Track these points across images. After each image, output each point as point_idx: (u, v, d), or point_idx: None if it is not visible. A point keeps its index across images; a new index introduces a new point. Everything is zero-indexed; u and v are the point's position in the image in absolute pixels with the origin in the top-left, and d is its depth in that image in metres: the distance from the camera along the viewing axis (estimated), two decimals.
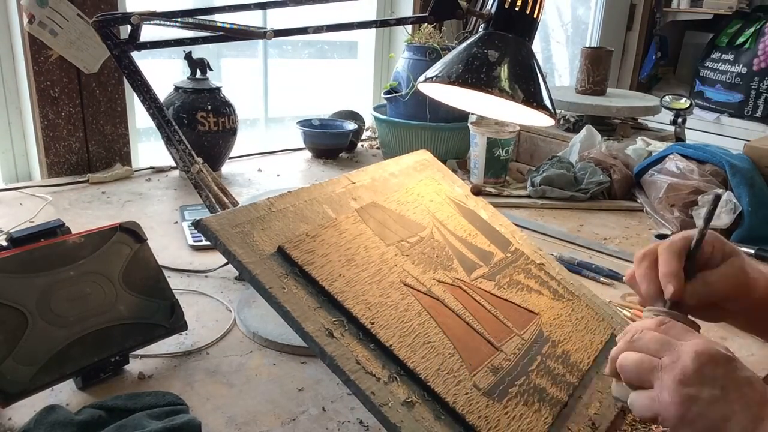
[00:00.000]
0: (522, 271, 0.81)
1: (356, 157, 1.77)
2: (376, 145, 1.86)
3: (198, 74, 1.44)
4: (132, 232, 0.79)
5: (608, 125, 1.81)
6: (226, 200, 1.00)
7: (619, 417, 0.70)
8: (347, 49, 2.15)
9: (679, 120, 1.73)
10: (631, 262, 1.17)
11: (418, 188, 0.84)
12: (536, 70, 0.76)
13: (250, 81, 1.92)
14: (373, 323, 0.59)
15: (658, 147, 1.56)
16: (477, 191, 0.90)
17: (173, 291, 0.80)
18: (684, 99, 1.74)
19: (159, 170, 1.51)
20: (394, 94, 1.65)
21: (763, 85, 2.69)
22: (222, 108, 1.43)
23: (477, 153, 1.48)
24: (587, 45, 2.47)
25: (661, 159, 1.42)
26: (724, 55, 2.84)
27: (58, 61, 1.35)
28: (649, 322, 0.53)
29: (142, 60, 0.97)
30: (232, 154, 1.56)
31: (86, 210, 1.25)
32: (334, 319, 0.59)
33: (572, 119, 1.79)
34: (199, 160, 0.99)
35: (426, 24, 1.68)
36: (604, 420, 0.67)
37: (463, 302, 0.69)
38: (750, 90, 2.72)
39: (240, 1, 0.95)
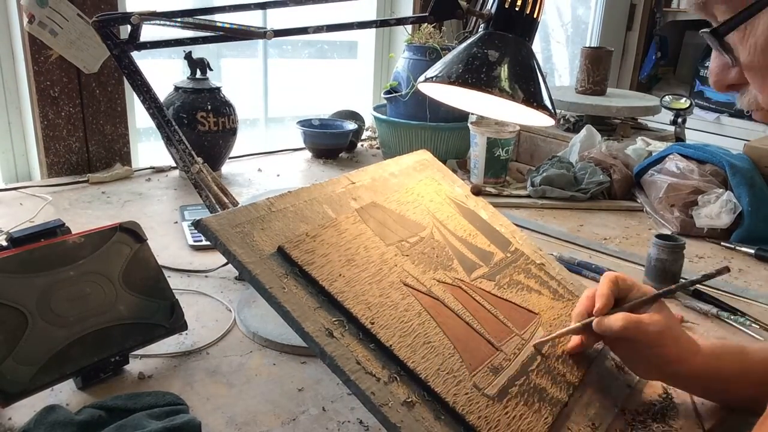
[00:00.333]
0: (522, 271, 0.81)
1: (356, 157, 1.77)
2: (376, 145, 1.86)
3: (198, 74, 1.44)
4: (132, 232, 0.79)
5: (608, 125, 1.81)
6: (226, 200, 1.00)
7: (619, 417, 0.70)
8: (347, 49, 2.15)
9: (679, 120, 1.73)
10: (632, 261, 1.17)
11: (418, 188, 0.84)
12: (536, 70, 0.76)
13: (250, 81, 1.92)
14: (373, 323, 0.59)
15: (658, 147, 1.56)
16: (477, 191, 0.90)
17: (173, 291, 0.80)
18: (684, 99, 1.74)
19: (159, 170, 1.52)
20: (394, 94, 1.65)
21: None
22: (222, 108, 1.43)
23: (477, 153, 1.48)
24: (587, 45, 2.47)
25: (661, 159, 1.42)
26: None
27: (58, 61, 1.35)
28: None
29: (142, 60, 0.97)
30: (232, 154, 1.56)
31: (86, 210, 1.25)
32: (334, 319, 0.59)
33: (572, 119, 1.79)
34: (199, 160, 0.99)
35: (426, 24, 1.68)
36: (604, 420, 0.67)
37: (463, 302, 0.69)
38: None
39: (240, 1, 0.95)
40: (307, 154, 1.75)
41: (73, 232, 0.77)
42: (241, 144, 1.57)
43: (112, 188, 1.38)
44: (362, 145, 1.88)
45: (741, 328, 0.92)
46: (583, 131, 1.61)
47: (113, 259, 0.76)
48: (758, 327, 0.92)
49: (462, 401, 0.58)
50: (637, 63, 2.99)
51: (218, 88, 1.45)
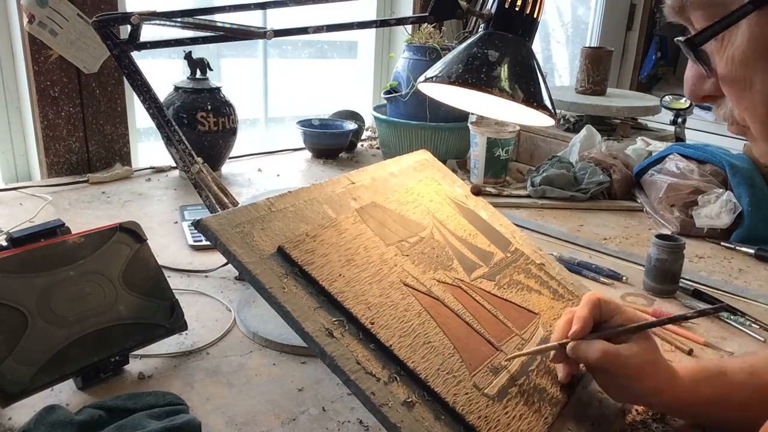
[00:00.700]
0: (522, 271, 0.81)
1: (356, 157, 1.77)
2: (376, 145, 1.86)
3: (198, 74, 1.44)
4: (132, 232, 0.79)
5: (608, 125, 1.81)
6: (226, 200, 1.00)
7: (619, 417, 0.70)
8: (347, 49, 2.15)
9: (679, 120, 1.73)
10: (632, 262, 1.17)
11: (418, 188, 0.84)
12: (536, 70, 0.76)
13: (250, 81, 1.92)
14: (373, 323, 0.59)
15: (658, 147, 1.56)
16: (477, 191, 0.90)
17: (173, 291, 0.80)
18: (684, 99, 1.74)
19: (159, 170, 1.52)
20: (394, 94, 1.65)
21: None
22: (222, 108, 1.43)
23: (477, 153, 1.48)
24: (587, 45, 2.47)
25: (661, 159, 1.42)
26: None
27: (58, 61, 1.35)
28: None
29: (142, 60, 0.97)
30: (232, 154, 1.56)
31: (86, 210, 1.25)
32: (334, 319, 0.59)
33: (572, 119, 1.79)
34: (199, 159, 0.99)
35: (426, 24, 1.68)
36: (604, 420, 0.67)
37: (463, 302, 0.69)
38: None
39: (240, 1, 0.95)
40: (307, 154, 1.75)
41: (73, 232, 0.77)
42: (241, 144, 1.57)
43: (112, 188, 1.38)
44: (362, 145, 1.88)
45: (741, 328, 0.92)
46: (583, 131, 1.61)
47: (113, 259, 0.76)
48: (758, 327, 0.92)
49: (462, 401, 0.58)
50: (637, 63, 2.99)
51: (218, 88, 1.45)
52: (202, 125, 1.40)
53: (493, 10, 0.76)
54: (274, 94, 1.95)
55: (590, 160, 1.49)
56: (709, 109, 2.82)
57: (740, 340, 0.90)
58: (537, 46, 2.82)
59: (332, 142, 1.72)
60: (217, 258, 1.02)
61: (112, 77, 1.44)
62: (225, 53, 1.87)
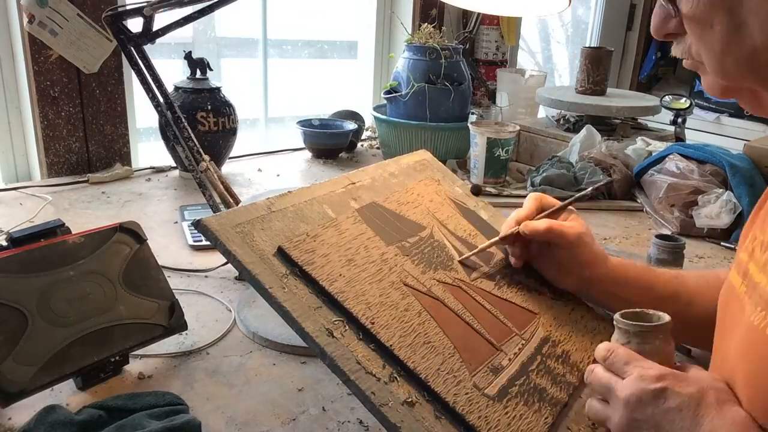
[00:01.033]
0: (522, 270, 0.81)
1: (356, 157, 1.77)
2: (376, 145, 1.86)
3: (198, 74, 1.44)
4: (132, 232, 0.79)
5: (608, 125, 1.81)
6: (230, 199, 1.00)
7: None
8: (347, 49, 2.15)
9: (679, 120, 1.73)
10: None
11: (418, 188, 0.84)
12: None
13: (250, 81, 1.92)
14: (373, 323, 0.59)
15: (658, 147, 1.56)
16: (477, 191, 0.90)
17: (173, 291, 0.80)
18: (684, 99, 1.74)
19: (159, 170, 1.52)
20: (394, 94, 1.65)
21: None
22: (222, 108, 1.43)
23: (477, 153, 1.48)
24: (587, 45, 2.47)
25: (661, 159, 1.42)
26: None
27: (58, 61, 1.35)
28: (599, 353, 0.57)
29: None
30: (232, 154, 1.56)
31: (86, 210, 1.25)
32: (334, 319, 0.59)
33: (572, 119, 1.79)
34: (206, 157, 0.99)
35: (426, 24, 1.68)
36: None
37: (463, 302, 0.69)
38: None
39: None
40: (307, 154, 1.75)
41: (73, 232, 0.77)
42: (241, 144, 1.57)
43: (112, 188, 1.38)
44: (362, 145, 1.88)
45: None
46: (583, 131, 1.61)
47: (113, 259, 0.76)
48: None
49: (462, 401, 0.58)
50: (637, 63, 2.99)
51: (218, 88, 1.45)
52: (202, 125, 1.40)
53: None
54: (274, 94, 1.95)
55: (590, 160, 1.49)
56: (709, 109, 2.82)
57: None
58: (537, 46, 2.82)
59: (332, 142, 1.72)
60: (217, 258, 1.02)
61: (112, 77, 1.44)
62: (225, 53, 1.87)
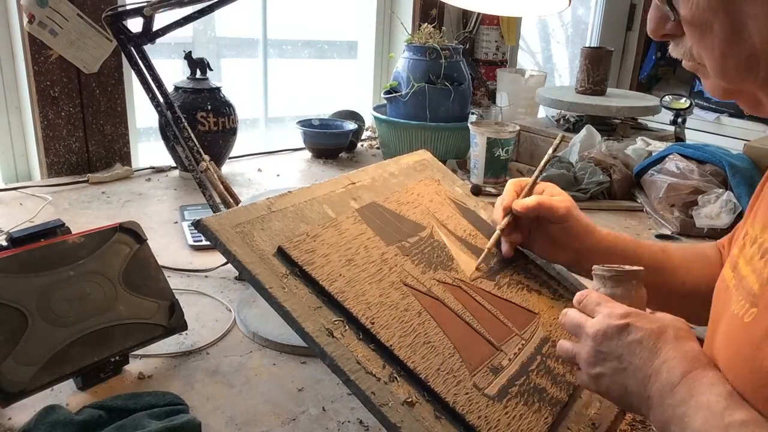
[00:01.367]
0: (522, 270, 0.81)
1: (356, 157, 1.77)
2: (376, 145, 1.86)
3: (198, 74, 1.44)
4: (132, 232, 0.79)
5: (608, 125, 1.81)
6: (230, 199, 1.00)
7: (619, 417, 0.70)
8: (347, 49, 2.15)
9: (679, 120, 1.73)
10: None
11: (418, 188, 0.84)
12: None
13: (250, 81, 1.92)
14: (373, 323, 0.59)
15: (658, 147, 1.56)
16: (477, 191, 0.90)
17: (173, 291, 0.80)
18: (684, 99, 1.74)
19: (159, 170, 1.52)
20: (394, 94, 1.65)
21: None
22: (222, 108, 1.43)
23: (477, 153, 1.48)
24: (587, 45, 2.47)
25: (661, 159, 1.42)
26: None
27: (58, 61, 1.35)
28: (575, 298, 0.62)
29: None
30: (232, 154, 1.56)
31: (86, 210, 1.25)
32: (334, 319, 0.59)
33: (572, 119, 1.79)
34: (206, 157, 0.99)
35: (426, 24, 1.68)
36: (604, 420, 0.67)
37: (463, 302, 0.69)
38: None
39: None
40: (307, 154, 1.75)
41: (73, 232, 0.77)
42: (241, 144, 1.57)
43: (112, 188, 1.38)
44: (362, 145, 1.88)
45: None
46: (583, 131, 1.61)
47: (113, 259, 0.76)
48: None
49: (462, 401, 0.58)
50: (637, 63, 2.98)
51: (218, 88, 1.45)
52: (202, 125, 1.40)
53: None
54: (274, 94, 1.95)
55: (590, 160, 1.49)
56: (709, 109, 2.82)
57: None
58: (537, 46, 2.82)
59: (332, 142, 1.72)
60: (217, 258, 1.02)
61: (112, 77, 1.44)
62: (225, 53, 1.87)
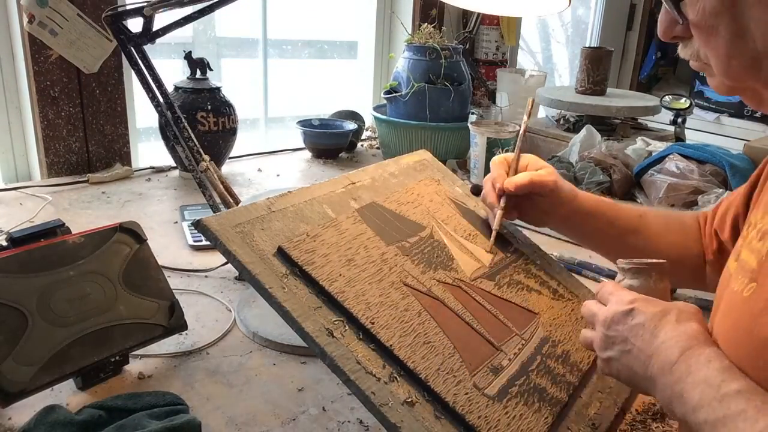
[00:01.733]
0: (522, 270, 0.81)
1: (356, 157, 1.77)
2: (376, 145, 1.86)
3: (198, 74, 1.44)
4: (132, 232, 0.79)
5: (608, 125, 1.81)
6: (230, 199, 1.00)
7: (619, 417, 0.70)
8: (347, 49, 2.15)
9: (679, 120, 1.73)
10: None
11: (418, 188, 0.84)
12: None
13: (250, 81, 1.92)
14: (373, 323, 0.59)
15: (658, 147, 1.56)
16: (477, 191, 0.90)
17: (173, 291, 0.80)
18: (684, 99, 1.74)
19: (159, 170, 1.52)
20: (394, 94, 1.65)
21: None
22: (222, 108, 1.43)
23: (477, 153, 1.48)
24: (587, 45, 2.47)
25: (661, 159, 1.42)
26: None
27: (58, 61, 1.35)
28: (596, 289, 0.64)
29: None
30: (232, 154, 1.56)
31: (86, 210, 1.25)
32: (334, 319, 0.59)
33: (572, 119, 1.79)
34: (206, 157, 0.99)
35: (426, 24, 1.68)
36: (604, 420, 0.67)
37: (463, 302, 0.69)
38: None
39: None
40: (307, 154, 1.75)
41: (73, 232, 0.77)
42: (241, 144, 1.57)
43: (112, 188, 1.38)
44: (362, 145, 1.88)
45: None
46: (583, 131, 1.61)
47: (113, 259, 0.76)
48: None
49: (462, 401, 0.58)
50: (637, 63, 2.98)
51: (218, 88, 1.45)
52: (202, 125, 1.40)
53: None
54: (274, 94, 1.95)
55: (590, 160, 1.49)
56: (709, 109, 2.82)
57: None
58: (537, 46, 2.82)
59: (332, 142, 1.72)
60: (217, 258, 1.02)
61: (112, 77, 1.44)
62: (225, 53, 1.87)
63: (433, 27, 1.66)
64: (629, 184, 1.48)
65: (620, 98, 1.84)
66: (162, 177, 1.48)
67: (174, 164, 1.51)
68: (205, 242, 1.05)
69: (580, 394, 0.69)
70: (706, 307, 0.58)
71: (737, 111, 2.77)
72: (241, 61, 1.93)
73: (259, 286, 0.58)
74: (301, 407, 0.71)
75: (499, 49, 2.15)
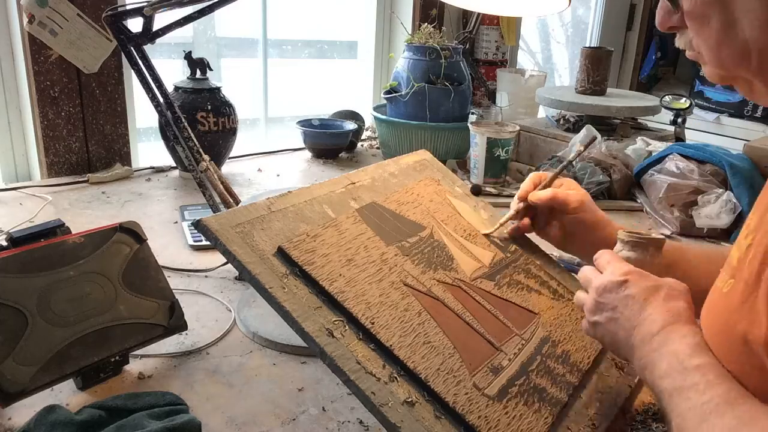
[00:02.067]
0: (522, 270, 0.81)
1: (356, 157, 1.77)
2: (376, 145, 1.86)
3: (198, 74, 1.44)
4: (132, 232, 0.79)
5: (608, 125, 1.81)
6: (230, 199, 1.00)
7: (620, 417, 0.70)
8: (347, 49, 2.15)
9: (679, 120, 1.73)
10: None
11: (418, 188, 0.84)
12: None
13: (250, 81, 1.92)
14: (373, 323, 0.59)
15: (658, 147, 1.56)
16: (477, 191, 0.91)
17: (173, 291, 0.80)
18: (684, 99, 1.74)
19: (159, 170, 1.51)
20: (394, 94, 1.65)
21: None
22: (222, 108, 1.43)
23: (477, 153, 1.48)
24: (587, 45, 2.47)
25: (661, 159, 1.42)
26: None
27: (58, 61, 1.35)
28: (595, 255, 0.67)
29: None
30: (232, 154, 1.56)
31: (86, 210, 1.25)
32: (334, 319, 0.59)
33: (572, 119, 1.79)
34: (206, 157, 0.99)
35: (426, 24, 1.68)
36: (604, 420, 0.67)
37: (463, 302, 0.69)
38: None
39: None
40: (307, 154, 1.75)
41: (73, 232, 0.77)
42: (241, 144, 1.57)
43: (112, 188, 1.38)
44: (362, 145, 1.88)
45: None
46: (583, 131, 1.61)
47: (113, 259, 0.76)
48: None
49: (462, 401, 0.58)
50: (637, 63, 2.98)
51: (218, 88, 1.45)
52: (202, 125, 1.40)
53: None
54: (274, 94, 1.95)
55: (590, 160, 1.49)
56: (709, 109, 2.82)
57: None
58: (537, 46, 2.82)
59: (332, 142, 1.72)
60: (217, 258, 1.02)
61: (112, 77, 1.44)
62: (225, 53, 1.87)
63: (433, 27, 1.66)
64: (629, 184, 1.48)
65: (620, 98, 1.84)
66: (162, 177, 1.49)
67: (174, 164, 1.51)
68: (205, 242, 1.05)
69: (580, 394, 0.69)
70: None
71: (737, 111, 2.77)
72: (241, 61, 1.93)
73: (259, 286, 0.58)
74: (301, 407, 0.71)
75: (499, 49, 2.15)
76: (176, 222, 1.22)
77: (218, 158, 1.49)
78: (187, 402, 0.68)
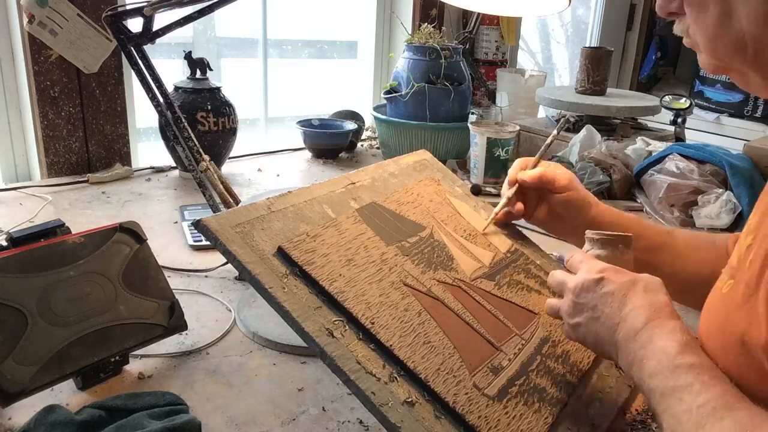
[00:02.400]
0: (522, 270, 0.81)
1: (356, 157, 1.77)
2: (376, 145, 1.86)
3: (198, 74, 1.44)
4: (132, 232, 0.79)
5: (608, 125, 1.81)
6: (230, 199, 1.00)
7: (620, 417, 0.70)
8: (347, 49, 2.15)
9: (679, 120, 1.73)
10: None
11: (418, 188, 0.84)
12: None
13: (250, 81, 1.92)
14: (373, 323, 0.59)
15: (658, 147, 1.56)
16: (477, 191, 0.91)
17: (173, 291, 0.80)
18: (684, 99, 1.74)
19: (159, 170, 1.51)
20: (394, 94, 1.64)
21: None
22: (222, 108, 1.43)
23: (477, 153, 1.48)
24: (587, 45, 2.47)
25: (661, 159, 1.42)
26: None
27: (58, 61, 1.35)
28: (565, 258, 0.67)
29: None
30: (232, 154, 1.56)
31: (86, 210, 1.25)
32: (334, 319, 0.59)
33: (572, 119, 1.79)
34: (206, 157, 0.99)
35: (426, 24, 1.68)
36: (604, 420, 0.67)
37: (463, 302, 0.69)
38: None
39: None
40: (307, 154, 1.75)
41: (73, 232, 0.77)
42: (241, 144, 1.57)
43: (112, 188, 1.38)
44: (362, 145, 1.88)
45: None
46: (583, 131, 1.61)
47: (113, 259, 0.76)
48: None
49: (462, 401, 0.58)
50: (637, 63, 2.98)
51: (218, 88, 1.45)
52: (202, 125, 1.40)
53: None
54: (274, 94, 1.95)
55: (590, 160, 1.49)
56: (709, 109, 2.82)
57: None
58: (537, 46, 2.82)
59: (332, 142, 1.72)
60: (217, 258, 1.02)
61: (112, 77, 1.44)
62: (225, 53, 1.86)
63: (433, 27, 1.66)
64: (629, 184, 1.48)
65: (620, 98, 1.84)
66: (162, 177, 1.48)
67: (174, 164, 1.51)
68: (205, 242, 1.05)
69: (580, 394, 0.69)
70: None
71: (737, 111, 2.77)
72: (241, 61, 1.93)
73: (259, 286, 0.58)
74: (301, 407, 0.71)
75: (499, 49, 2.15)
76: (176, 222, 1.22)
77: (218, 158, 1.49)
78: (187, 402, 0.68)
